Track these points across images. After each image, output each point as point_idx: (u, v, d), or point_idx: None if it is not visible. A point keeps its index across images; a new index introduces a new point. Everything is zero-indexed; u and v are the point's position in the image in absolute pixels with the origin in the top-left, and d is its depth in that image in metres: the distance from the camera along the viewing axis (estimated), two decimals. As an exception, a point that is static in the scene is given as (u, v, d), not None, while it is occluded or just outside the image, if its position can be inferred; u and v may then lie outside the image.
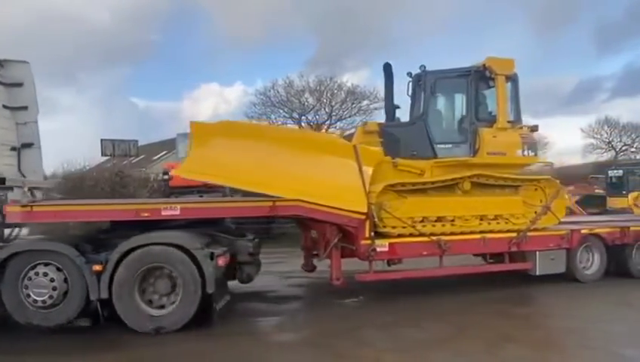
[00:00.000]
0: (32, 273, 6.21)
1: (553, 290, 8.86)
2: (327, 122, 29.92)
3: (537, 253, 8.80)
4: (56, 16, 67.23)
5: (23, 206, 6.30)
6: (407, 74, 9.46)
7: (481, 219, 8.55)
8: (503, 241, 8.55)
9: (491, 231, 8.51)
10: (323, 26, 52.38)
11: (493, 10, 67.85)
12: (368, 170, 7.56)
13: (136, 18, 70.93)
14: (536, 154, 9.06)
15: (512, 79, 9.02)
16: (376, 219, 7.70)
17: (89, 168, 22.19)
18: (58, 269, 6.25)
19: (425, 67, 8.97)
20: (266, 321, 7.34)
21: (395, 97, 9.60)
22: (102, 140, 20.84)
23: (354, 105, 29.91)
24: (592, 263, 9.51)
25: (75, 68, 67.63)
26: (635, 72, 59.82)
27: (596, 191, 24.16)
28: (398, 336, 6.38)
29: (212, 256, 6.23)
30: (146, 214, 6.66)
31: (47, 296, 6.15)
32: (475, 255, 9.26)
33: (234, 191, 9.92)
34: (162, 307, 6.35)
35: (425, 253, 8.07)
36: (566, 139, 70.56)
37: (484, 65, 8.79)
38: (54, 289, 6.18)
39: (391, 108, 9.40)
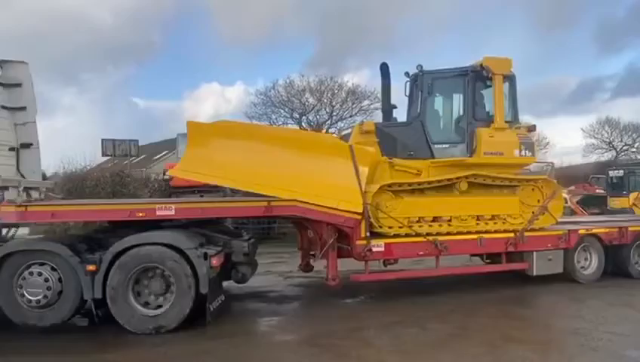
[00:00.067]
0: (26, 273, 6.24)
1: (554, 291, 8.83)
2: (328, 122, 29.86)
3: (534, 253, 8.78)
4: (58, 16, 67.57)
5: (18, 206, 6.32)
6: (405, 74, 9.46)
7: (478, 219, 8.54)
8: (499, 241, 8.54)
9: (488, 232, 8.50)
10: (324, 26, 52.50)
11: (494, 9, 67.98)
12: (364, 170, 7.54)
13: (138, 18, 71.22)
14: (533, 154, 9.01)
15: (510, 79, 9.01)
16: (372, 219, 7.70)
17: (90, 168, 22.21)
18: (53, 269, 6.28)
19: (422, 67, 8.96)
20: (266, 321, 7.33)
21: (394, 97, 9.65)
22: (102, 140, 20.94)
23: (355, 105, 29.83)
24: (590, 263, 9.50)
25: (77, 68, 67.99)
26: (636, 72, 59.87)
27: (597, 191, 24.11)
28: (401, 337, 6.36)
29: (206, 256, 6.24)
30: (140, 214, 6.67)
31: (41, 296, 6.18)
32: (472, 255, 9.24)
33: (235, 192, 9.94)
34: (156, 307, 6.35)
35: (421, 253, 8.06)
36: (567, 139, 70.66)
37: (481, 65, 8.77)
38: (49, 289, 6.21)
39: (388, 108, 9.41)
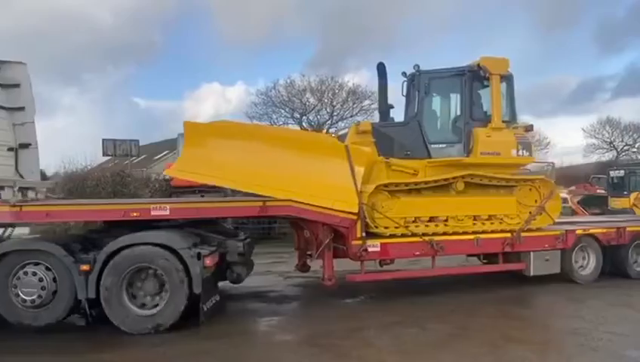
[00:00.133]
0: (21, 272, 6.25)
1: (552, 291, 8.81)
2: (329, 122, 29.92)
3: (531, 253, 8.75)
4: (58, 15, 67.66)
5: (12, 206, 6.32)
6: (402, 74, 9.44)
7: (475, 220, 8.52)
8: (496, 242, 8.51)
9: (485, 232, 8.48)
10: (325, 26, 52.57)
11: (495, 9, 67.86)
12: (360, 170, 7.52)
13: (138, 18, 71.29)
14: (531, 154, 8.98)
15: (507, 79, 8.98)
16: (367, 220, 7.69)
17: (90, 168, 22.22)
18: (47, 269, 6.29)
19: (419, 67, 8.95)
20: (266, 321, 7.33)
21: (393, 97, 9.65)
22: (103, 140, 20.92)
23: (355, 105, 29.88)
24: (587, 264, 9.46)
25: (77, 68, 68.02)
26: (637, 71, 59.89)
27: (598, 191, 24.07)
28: (401, 337, 6.36)
29: (199, 256, 6.23)
30: (135, 214, 6.67)
31: (36, 296, 6.19)
32: (469, 255, 9.22)
33: (235, 192, 9.97)
34: (152, 307, 6.35)
35: (417, 253, 8.04)
36: (568, 139, 70.58)
37: (478, 64, 8.75)
38: (43, 288, 6.22)
39: (385, 108, 9.40)
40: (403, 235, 7.96)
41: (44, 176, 19.60)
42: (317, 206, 7.27)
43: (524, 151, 8.79)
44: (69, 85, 70.23)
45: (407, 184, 8.15)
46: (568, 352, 5.82)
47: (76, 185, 17.50)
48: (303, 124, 29.90)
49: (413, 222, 8.12)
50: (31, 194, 7.87)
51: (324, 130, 27.59)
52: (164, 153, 32.59)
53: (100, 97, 66.68)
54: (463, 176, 8.37)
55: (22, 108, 8.12)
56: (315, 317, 7.42)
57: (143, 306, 6.36)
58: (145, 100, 75.30)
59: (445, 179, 8.34)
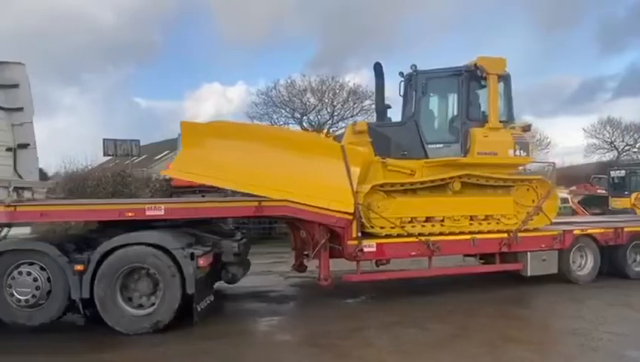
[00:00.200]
0: (15, 272, 6.26)
1: (552, 291, 8.79)
2: (329, 122, 29.89)
3: (528, 253, 8.73)
4: (58, 15, 67.77)
5: (7, 206, 6.34)
6: (400, 73, 9.43)
7: (472, 220, 8.51)
8: (493, 242, 8.50)
9: (481, 232, 8.46)
10: (325, 26, 52.60)
11: (495, 9, 67.78)
12: (356, 170, 7.51)
13: (139, 18, 71.38)
14: (528, 154, 8.95)
15: (504, 78, 8.96)
16: (363, 220, 7.68)
17: (91, 168, 22.25)
18: (42, 269, 6.30)
19: (416, 66, 8.93)
20: (266, 321, 7.33)
21: (392, 97, 9.65)
22: (104, 140, 20.91)
23: (356, 105, 29.85)
24: (585, 264, 9.44)
25: (78, 68, 68.11)
26: (638, 71, 59.90)
27: (598, 191, 24.03)
28: (401, 337, 6.36)
29: (192, 256, 6.23)
30: (130, 214, 6.68)
31: (30, 296, 6.21)
32: (466, 255, 9.20)
33: (236, 192, 9.98)
34: (145, 307, 6.36)
35: (413, 253, 8.03)
36: (568, 139, 70.50)
37: (475, 64, 8.73)
38: (37, 288, 6.23)
39: (382, 107, 9.39)
40: (399, 235, 7.95)
41: (44, 176, 19.65)
42: (313, 206, 7.27)
43: (522, 151, 8.76)
44: (70, 85, 70.46)
45: (403, 184, 8.13)
46: (568, 352, 5.81)
47: (77, 185, 17.50)
48: (304, 124, 29.92)
49: (410, 222, 8.11)
50: (27, 194, 7.87)
51: (325, 130, 27.58)
52: (165, 153, 32.60)
53: (100, 97, 66.86)
54: (459, 176, 8.35)
55: (20, 109, 8.12)
56: (315, 317, 7.42)
57: (138, 306, 6.35)
58: (145, 100, 75.53)
59: (442, 179, 8.32)
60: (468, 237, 8.32)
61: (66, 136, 55.59)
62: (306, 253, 8.48)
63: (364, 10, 52.19)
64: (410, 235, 7.98)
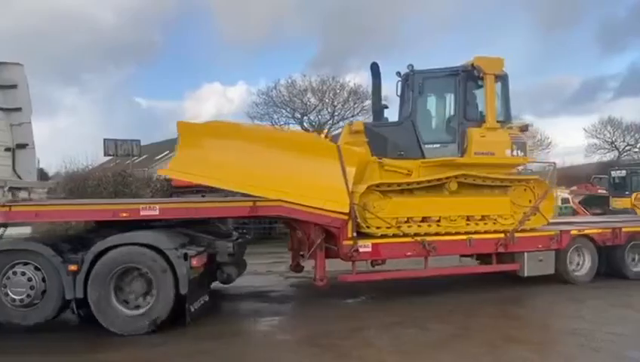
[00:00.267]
0: (10, 272, 6.28)
1: (552, 291, 8.78)
2: (330, 122, 29.90)
3: (525, 254, 8.71)
4: (59, 16, 67.90)
5: (2, 206, 6.35)
6: (397, 73, 9.42)
7: (468, 220, 8.49)
8: (489, 242, 8.48)
9: (478, 232, 8.44)
10: (325, 26, 52.65)
11: (496, 9, 67.75)
12: (351, 171, 7.50)
13: (139, 18, 71.47)
14: (525, 154, 8.93)
15: (502, 78, 8.94)
16: (359, 220, 7.66)
17: (92, 168, 22.28)
18: (36, 269, 6.31)
19: (413, 66, 8.91)
20: (267, 321, 7.34)
21: (392, 97, 9.64)
22: (104, 140, 20.91)
23: (356, 105, 29.91)
24: (582, 264, 9.40)
25: (78, 68, 68.37)
26: (639, 71, 59.51)
27: (599, 191, 23.99)
28: (402, 337, 6.36)
29: (186, 257, 6.22)
30: (124, 214, 6.68)
31: (24, 295, 6.22)
32: (462, 256, 9.18)
33: (235, 192, 9.99)
34: (137, 308, 6.35)
35: (409, 253, 8.00)
36: (569, 139, 70.47)
37: (472, 64, 8.71)
38: (32, 288, 6.24)
39: (379, 107, 9.38)
40: (395, 235, 7.94)
41: (45, 176, 19.70)
42: (307, 206, 7.26)
43: (519, 151, 8.73)
44: (70, 85, 70.70)
45: (399, 184, 8.12)
46: (569, 353, 5.80)
47: (77, 185, 17.51)
48: (304, 124, 29.97)
49: (406, 222, 8.09)
50: (23, 195, 7.88)
51: (325, 130, 27.61)
52: (166, 153, 32.62)
53: (101, 97, 66.97)
54: (456, 176, 8.33)
55: (19, 109, 8.12)
56: (315, 317, 7.41)
57: (132, 307, 6.35)
58: (146, 100, 75.58)
59: (438, 179, 8.30)
60: (464, 237, 8.29)
61: (67, 136, 55.81)
62: (302, 253, 8.48)
63: (364, 10, 52.29)
64: (405, 235, 7.96)
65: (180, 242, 6.53)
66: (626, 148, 43.93)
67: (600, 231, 9.45)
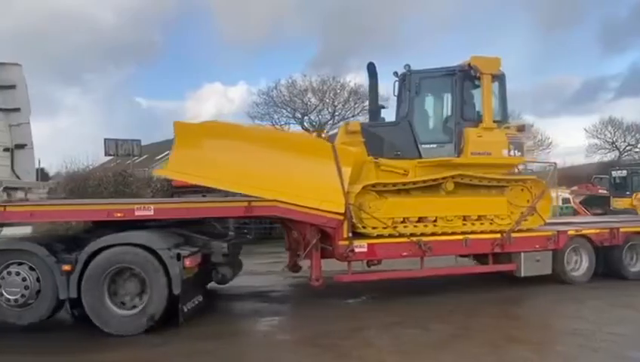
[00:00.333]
0: (5, 272, 6.29)
1: (552, 291, 8.76)
2: (330, 122, 29.94)
3: (522, 254, 8.68)
4: (59, 15, 67.96)
5: (-4, 206, 6.37)
6: (394, 73, 9.40)
7: (465, 220, 8.46)
8: (485, 242, 8.45)
9: (474, 232, 8.41)
10: (325, 26, 52.65)
11: (496, 9, 67.54)
12: (347, 170, 7.49)
13: (139, 18, 71.46)
14: (522, 154, 8.90)
15: (499, 78, 8.91)
16: (354, 220, 7.65)
17: (92, 168, 22.32)
18: (31, 269, 6.33)
19: (409, 66, 8.90)
20: (267, 321, 7.35)
21: (389, 98, 9.62)
22: (105, 140, 21.00)
23: (357, 105, 29.90)
24: (580, 265, 9.37)
25: (79, 68, 68.25)
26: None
27: (600, 191, 23.95)
28: (402, 337, 6.35)
29: (179, 257, 6.22)
30: (119, 215, 6.69)
31: (19, 295, 6.24)
32: (460, 256, 9.16)
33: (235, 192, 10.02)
34: (132, 308, 6.35)
35: (405, 253, 7.98)
36: (570, 140, 70.47)
37: (469, 64, 8.68)
38: (26, 288, 6.26)
39: (375, 107, 9.37)
40: (390, 236, 7.92)
41: (45, 176, 19.74)
42: (303, 206, 7.26)
43: (516, 151, 8.71)
44: (71, 85, 70.89)
45: (395, 184, 8.10)
46: (570, 353, 5.78)
47: (78, 185, 17.55)
48: (305, 124, 30.00)
49: (402, 222, 8.08)
50: (20, 195, 7.90)
51: (325, 130, 27.62)
52: (166, 153, 32.59)
53: (101, 97, 66.94)
54: (452, 176, 8.31)
55: (17, 110, 8.16)
56: (315, 317, 7.41)
57: (127, 307, 6.35)
58: (147, 100, 75.48)
59: (434, 180, 8.28)
60: (460, 237, 8.27)
61: (68, 136, 55.95)
62: (299, 253, 8.48)
63: (364, 10, 52.20)
64: (401, 235, 7.94)
65: (174, 242, 6.53)
66: (627, 148, 43.94)
67: (597, 231, 9.42)
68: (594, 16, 72.32)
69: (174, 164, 7.55)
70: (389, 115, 9.65)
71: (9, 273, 6.27)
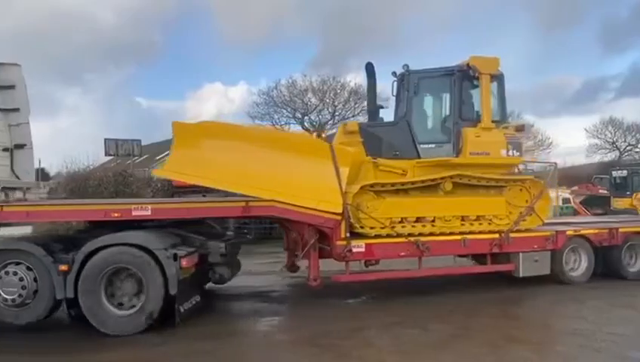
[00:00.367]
0: (2, 272, 6.30)
1: (552, 291, 8.76)
2: (330, 122, 29.93)
3: (520, 254, 8.66)
4: (59, 15, 68.00)
5: (-7, 206, 6.37)
6: (392, 73, 9.39)
7: (463, 220, 8.46)
8: (484, 242, 8.44)
9: (472, 232, 8.40)
10: (325, 26, 52.65)
11: (496, 9, 67.50)
12: (345, 171, 7.49)
13: (139, 18, 71.48)
14: (521, 154, 8.89)
15: (497, 78, 8.89)
16: (352, 220, 7.65)
17: (93, 168, 22.33)
18: (28, 269, 6.33)
19: (408, 66, 8.89)
20: (267, 321, 7.35)
21: (389, 98, 9.56)
22: (105, 140, 20.97)
23: (357, 105, 29.84)
24: (579, 265, 9.35)
25: (79, 68, 68.25)
26: (640, 71, 59.15)
27: (600, 191, 23.93)
28: (402, 337, 6.34)
29: (175, 257, 6.22)
30: (116, 215, 6.69)
31: (16, 295, 6.24)
32: (459, 256, 9.15)
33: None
34: (128, 308, 6.35)
35: (402, 254, 7.97)
36: (570, 140, 70.54)
37: (467, 64, 8.67)
38: (24, 288, 6.26)
39: (374, 107, 9.36)
40: (388, 236, 7.91)
41: (46, 176, 19.75)
42: (300, 206, 7.25)
43: (514, 151, 8.69)
44: (72, 85, 70.94)
45: (393, 184, 8.09)
46: (570, 353, 5.78)
47: (78, 185, 17.55)
48: (305, 124, 29.98)
49: (400, 222, 8.07)
50: (19, 195, 7.91)
51: (326, 130, 27.62)
52: (166, 153, 32.49)
53: (102, 97, 66.94)
54: (451, 176, 8.30)
55: (17, 110, 8.18)
56: (315, 317, 7.40)
57: (125, 307, 6.34)
58: (147, 100, 75.39)
59: (433, 180, 8.27)
60: (458, 237, 8.26)
61: (68, 136, 55.99)
62: (296, 253, 8.47)
63: (364, 10, 52.19)
64: (399, 236, 7.94)
65: (171, 242, 6.52)
66: (627, 148, 43.91)
67: (596, 231, 9.41)
68: (594, 16, 72.37)
69: (173, 164, 7.57)
70: (388, 115, 9.67)
71: (6, 273, 6.27)
